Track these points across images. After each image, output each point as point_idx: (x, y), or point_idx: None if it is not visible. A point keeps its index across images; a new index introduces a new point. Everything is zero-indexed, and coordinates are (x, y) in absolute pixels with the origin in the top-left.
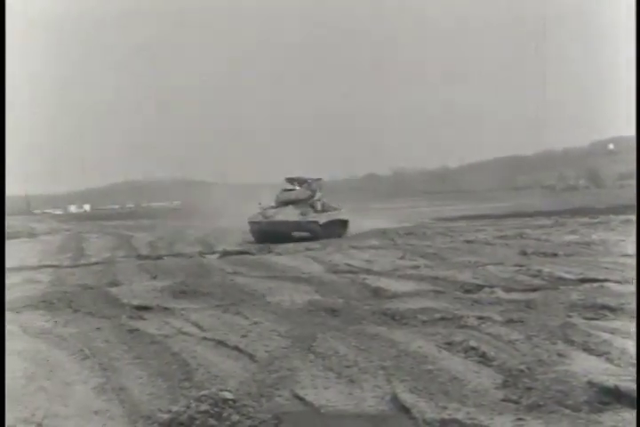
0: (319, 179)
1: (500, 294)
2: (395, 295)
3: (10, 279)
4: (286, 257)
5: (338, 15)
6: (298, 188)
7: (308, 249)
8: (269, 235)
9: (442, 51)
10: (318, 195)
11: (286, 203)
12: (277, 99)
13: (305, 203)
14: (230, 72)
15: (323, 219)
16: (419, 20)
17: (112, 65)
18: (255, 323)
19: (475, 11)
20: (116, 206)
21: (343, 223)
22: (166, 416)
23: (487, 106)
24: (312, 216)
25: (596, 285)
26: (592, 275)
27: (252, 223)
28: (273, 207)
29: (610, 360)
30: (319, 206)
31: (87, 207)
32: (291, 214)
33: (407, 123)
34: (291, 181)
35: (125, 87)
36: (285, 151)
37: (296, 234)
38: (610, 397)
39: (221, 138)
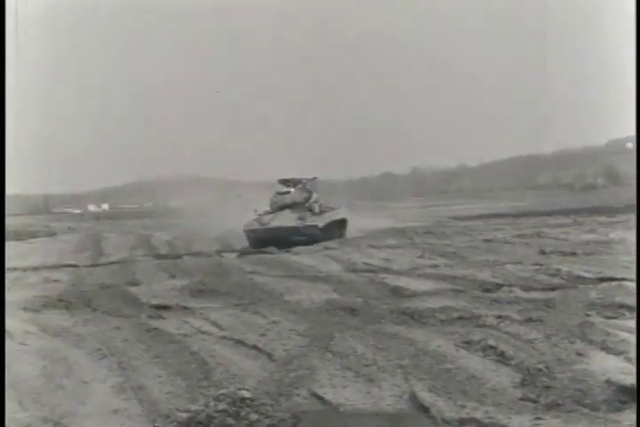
0: (314, 178)
1: (519, 293)
2: (414, 294)
3: (29, 279)
4: (305, 256)
5: (351, 14)
6: (292, 189)
7: (326, 248)
8: (267, 242)
9: (456, 51)
10: (315, 196)
11: (282, 207)
12: (291, 98)
13: (302, 206)
14: (243, 69)
15: (321, 222)
16: (426, 22)
17: (125, 65)
18: (274, 322)
19: (479, 8)
20: (135, 205)
21: (342, 223)
22: (185, 415)
23: (503, 105)
24: (311, 220)
25: (614, 284)
26: (610, 274)
27: (247, 231)
28: (269, 212)
29: (628, 359)
30: (317, 208)
31: (106, 206)
32: (288, 219)
33: (423, 122)
34: (285, 182)
35: (141, 87)
36: (300, 150)
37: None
38: (628, 396)
39: (236, 136)
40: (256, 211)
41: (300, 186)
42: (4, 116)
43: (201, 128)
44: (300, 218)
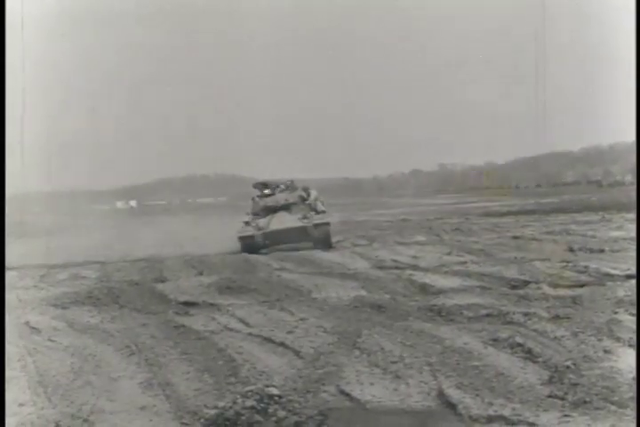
0: (291, 181)
1: (547, 290)
2: (441, 291)
3: (57, 275)
4: (332, 253)
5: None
6: (276, 191)
7: (354, 245)
8: (267, 247)
9: (472, 49)
10: (315, 193)
11: (274, 209)
12: (316, 97)
13: (297, 206)
14: (252, 69)
15: (328, 219)
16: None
17: (149, 64)
18: (301, 319)
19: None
20: (163, 202)
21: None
22: (212, 412)
23: (529, 103)
24: (318, 218)
25: None
26: None
27: (243, 239)
28: (258, 216)
29: None
30: (321, 206)
31: (133, 203)
32: (289, 220)
33: (452, 120)
34: (261, 186)
35: (165, 85)
36: (330, 148)
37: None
38: None
39: (263, 135)
40: (248, 213)
41: (281, 187)
42: (4, 116)
43: (225, 127)
44: (304, 217)
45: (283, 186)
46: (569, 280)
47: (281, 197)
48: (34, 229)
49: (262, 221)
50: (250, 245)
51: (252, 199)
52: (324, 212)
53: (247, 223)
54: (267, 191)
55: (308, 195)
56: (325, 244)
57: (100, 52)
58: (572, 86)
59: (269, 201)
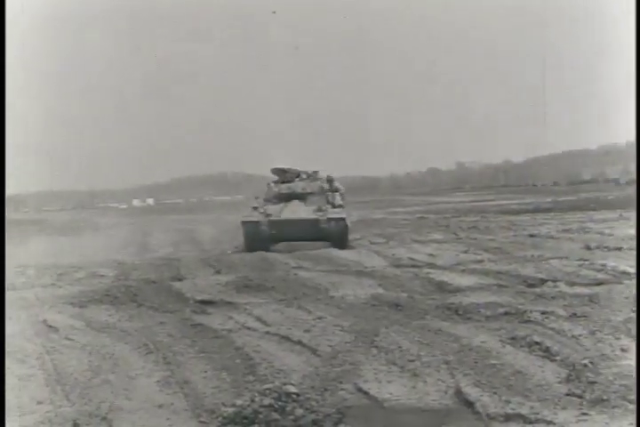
0: (316, 171)
1: (564, 288)
2: (458, 290)
3: (74, 274)
4: (349, 251)
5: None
6: (297, 179)
7: (371, 243)
8: (273, 239)
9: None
10: (338, 185)
11: (289, 197)
12: (335, 99)
13: (315, 197)
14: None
15: (344, 214)
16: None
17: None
18: (319, 317)
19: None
20: (180, 200)
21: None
22: (230, 410)
23: (546, 101)
24: (335, 212)
25: None
26: None
27: (246, 224)
28: (270, 203)
29: None
30: (339, 200)
31: (151, 201)
32: (302, 211)
33: (468, 118)
34: (280, 171)
35: (182, 86)
36: (348, 147)
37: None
38: None
39: (281, 133)
40: (257, 198)
41: (302, 176)
42: (4, 116)
43: (243, 126)
44: (319, 210)
45: (304, 175)
46: (586, 278)
47: (298, 186)
48: (52, 227)
49: (272, 208)
50: (253, 233)
51: (267, 185)
52: (341, 206)
53: (255, 208)
54: (285, 178)
55: (331, 186)
56: (339, 241)
57: (109, 50)
58: (588, 83)
59: (284, 188)
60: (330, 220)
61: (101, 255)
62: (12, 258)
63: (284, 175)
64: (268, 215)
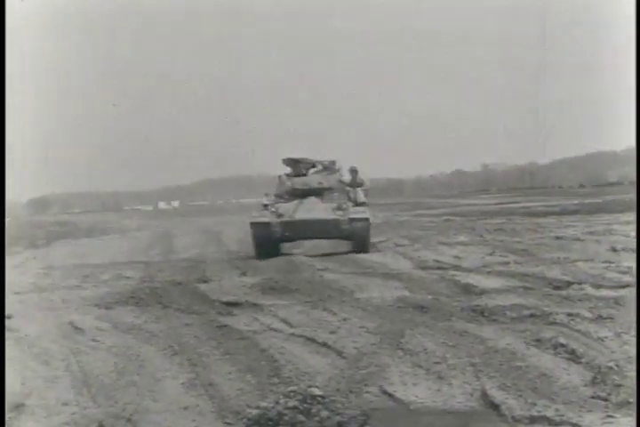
0: (333, 161)
1: (590, 290)
2: (484, 292)
3: (100, 276)
4: (375, 254)
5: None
6: (311, 172)
7: (397, 245)
8: (287, 241)
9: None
10: (362, 178)
11: (304, 193)
12: (358, 100)
13: (333, 192)
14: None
15: (368, 213)
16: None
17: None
18: (344, 319)
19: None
20: (206, 203)
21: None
22: (255, 412)
23: (569, 103)
24: (357, 211)
25: None
26: None
27: (256, 226)
28: (282, 199)
29: None
30: (362, 197)
31: (176, 204)
32: (319, 209)
33: (492, 120)
34: (292, 162)
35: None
36: (372, 149)
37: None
38: None
39: (305, 133)
40: (267, 195)
41: (318, 167)
42: (4, 116)
43: (268, 127)
44: (339, 208)
45: (320, 166)
46: (612, 281)
47: (314, 179)
48: (78, 229)
49: (285, 207)
50: (264, 236)
51: (279, 178)
52: (364, 204)
53: (265, 207)
54: (299, 170)
55: (354, 180)
56: (361, 244)
57: (120, 48)
58: (617, 83)
59: (298, 182)
60: (352, 220)
61: (127, 257)
62: (38, 260)
63: (297, 167)
64: (279, 215)
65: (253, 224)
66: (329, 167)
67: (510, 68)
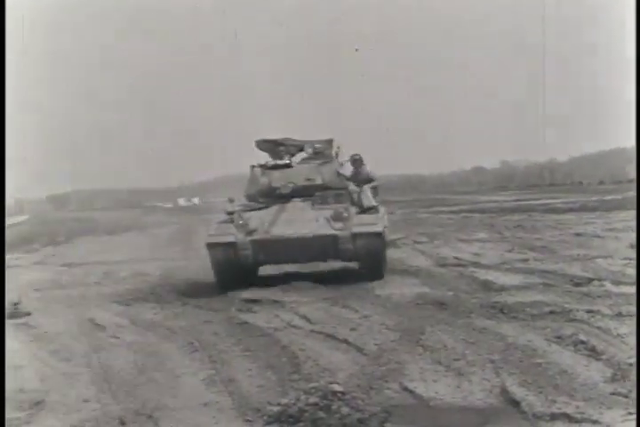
0: (330, 140)
1: (610, 287)
2: (503, 289)
3: (120, 272)
4: (394, 250)
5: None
6: (293, 159)
7: (415, 242)
8: (255, 269)
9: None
10: (369, 171)
11: (286, 194)
12: (378, 97)
13: (329, 191)
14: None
15: (380, 224)
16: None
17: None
18: (364, 316)
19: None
20: (225, 199)
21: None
22: (276, 409)
23: (585, 100)
24: (364, 222)
25: None
26: None
27: (214, 247)
28: (250, 206)
29: None
30: (370, 198)
31: (196, 200)
32: (307, 220)
33: (513, 117)
34: (271, 146)
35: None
36: (392, 145)
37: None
38: None
39: (323, 129)
40: (232, 201)
41: (308, 151)
42: (4, 116)
43: (286, 123)
44: (338, 217)
45: (310, 149)
46: (631, 278)
47: (299, 173)
48: (97, 226)
49: (258, 217)
50: (227, 262)
51: (251, 170)
52: (373, 208)
53: (230, 216)
54: (279, 156)
55: (358, 173)
56: (371, 268)
57: (130, 46)
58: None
59: (278, 178)
60: (356, 236)
61: (147, 254)
62: (58, 256)
63: (277, 152)
64: (250, 231)
65: (211, 246)
66: (322, 152)
67: (529, 62)
